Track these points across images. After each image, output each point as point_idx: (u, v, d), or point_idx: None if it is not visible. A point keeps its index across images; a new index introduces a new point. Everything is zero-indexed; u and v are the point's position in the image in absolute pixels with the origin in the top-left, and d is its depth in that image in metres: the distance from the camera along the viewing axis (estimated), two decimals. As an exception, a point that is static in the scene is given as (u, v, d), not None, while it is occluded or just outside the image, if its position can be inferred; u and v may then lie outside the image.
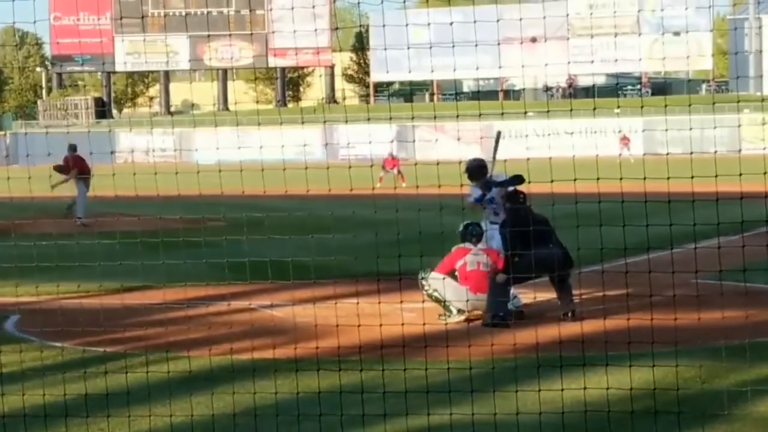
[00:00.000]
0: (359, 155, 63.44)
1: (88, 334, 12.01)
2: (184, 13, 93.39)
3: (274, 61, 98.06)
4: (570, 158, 10.56)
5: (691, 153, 11.09)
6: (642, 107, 72.75)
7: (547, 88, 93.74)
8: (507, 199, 13.62)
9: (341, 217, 22.69)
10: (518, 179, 13.65)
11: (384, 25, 70.29)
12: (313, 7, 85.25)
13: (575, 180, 9.40)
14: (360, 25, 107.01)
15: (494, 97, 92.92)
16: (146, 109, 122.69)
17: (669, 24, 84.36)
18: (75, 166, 27.86)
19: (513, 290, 13.61)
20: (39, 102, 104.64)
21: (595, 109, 68.88)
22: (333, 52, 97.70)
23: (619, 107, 73.09)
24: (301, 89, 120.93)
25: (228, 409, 8.82)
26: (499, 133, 14.83)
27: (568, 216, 11.32)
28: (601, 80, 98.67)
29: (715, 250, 10.46)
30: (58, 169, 27.72)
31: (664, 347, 9.93)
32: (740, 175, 9.67)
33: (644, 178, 9.29)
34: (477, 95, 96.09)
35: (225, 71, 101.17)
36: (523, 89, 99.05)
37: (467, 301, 13.07)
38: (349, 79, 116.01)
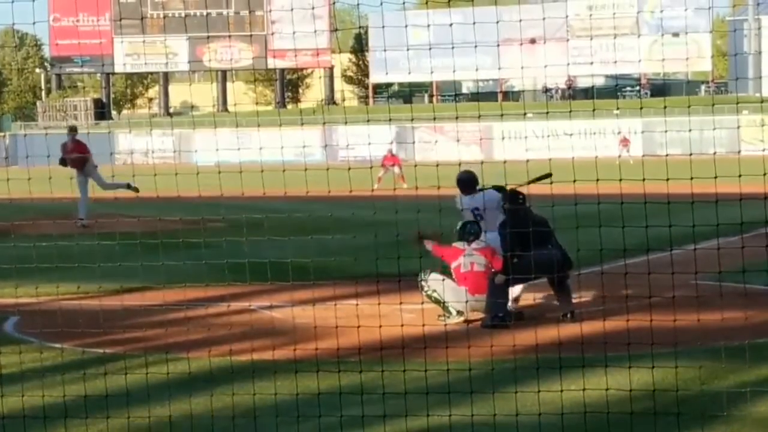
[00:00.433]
0: (359, 156, 63.54)
1: (87, 335, 12.01)
2: (183, 15, 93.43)
3: (273, 63, 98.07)
4: (569, 159, 10.56)
5: (691, 154, 11.10)
6: (641, 108, 72.75)
7: (547, 90, 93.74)
8: (507, 200, 13.61)
9: (341, 218, 22.70)
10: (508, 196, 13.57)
11: (383, 27, 70.29)
12: (312, 8, 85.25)
13: (575, 181, 9.40)
14: (359, 27, 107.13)
15: (493, 98, 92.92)
16: (145, 110, 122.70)
17: (668, 25, 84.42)
18: (73, 151, 27.24)
19: (517, 291, 13.61)
20: (38, 103, 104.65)
21: (594, 110, 68.89)
22: (332, 53, 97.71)
23: (618, 108, 73.14)
24: (301, 90, 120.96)
25: (227, 410, 8.82)
26: (549, 175, 14.23)
27: (568, 217, 11.31)
28: (600, 81, 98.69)
29: (714, 251, 10.47)
30: (62, 162, 27.34)
31: (664, 348, 9.93)
32: (739, 176, 9.67)
33: (643, 179, 9.29)
34: (476, 96, 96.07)
35: (224, 72, 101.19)
36: (523, 91, 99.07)
37: (466, 302, 13.06)
38: (349, 80, 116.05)
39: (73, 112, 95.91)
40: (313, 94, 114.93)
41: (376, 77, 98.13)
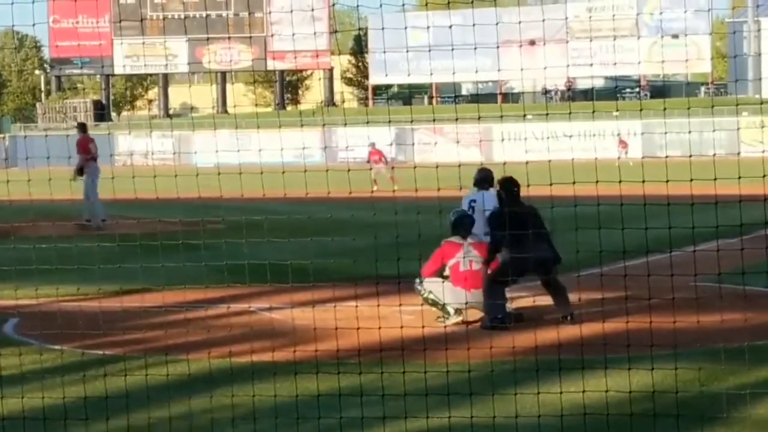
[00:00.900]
0: (358, 158, 63.54)
1: (87, 337, 12.01)
2: (183, 16, 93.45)
3: (273, 64, 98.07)
4: (569, 161, 10.57)
5: (690, 156, 11.11)
6: (641, 110, 72.77)
7: (546, 91, 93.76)
8: (500, 186, 13.49)
9: (340, 219, 22.68)
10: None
11: (383, 28, 70.30)
12: (312, 10, 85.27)
13: (574, 183, 9.40)
14: (359, 28, 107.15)
15: (493, 100, 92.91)
16: (145, 111, 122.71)
17: (668, 27, 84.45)
18: (81, 151, 26.92)
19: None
20: (38, 105, 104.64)
21: (594, 112, 68.94)
22: (332, 55, 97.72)
23: (618, 110, 73.13)
24: (300, 92, 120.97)
25: (227, 411, 8.82)
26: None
27: (567, 219, 11.30)
28: (600, 83, 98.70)
29: (714, 253, 10.47)
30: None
31: (663, 350, 9.92)
32: (739, 178, 9.67)
33: (643, 181, 9.30)
34: (476, 98, 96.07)
35: (224, 74, 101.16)
36: (522, 92, 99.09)
37: (466, 303, 13.05)
38: (348, 82, 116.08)
39: (73, 113, 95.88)
40: (312, 95, 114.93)
41: (375, 79, 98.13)
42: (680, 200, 9.69)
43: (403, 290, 12.82)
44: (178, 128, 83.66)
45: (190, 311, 13.94)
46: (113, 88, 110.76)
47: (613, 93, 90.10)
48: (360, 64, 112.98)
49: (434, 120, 69.77)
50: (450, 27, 12.54)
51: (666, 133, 59.28)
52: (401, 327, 10.92)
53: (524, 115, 74.92)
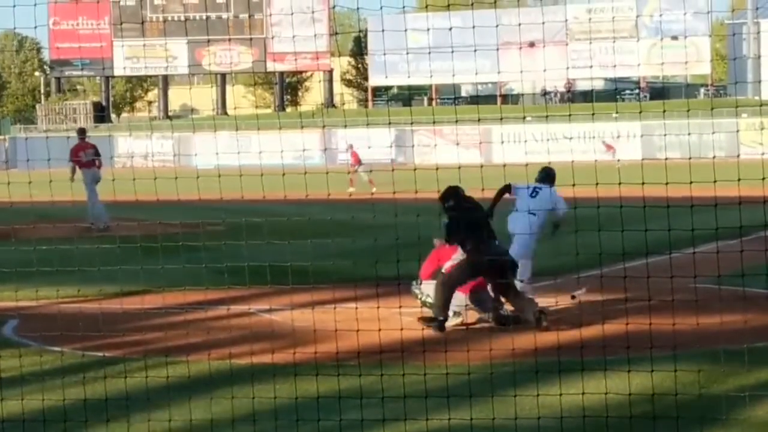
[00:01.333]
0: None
1: (87, 338, 12.01)
2: (183, 18, 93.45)
3: (273, 66, 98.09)
4: (569, 163, 10.57)
5: (690, 158, 11.12)
6: (641, 112, 72.74)
7: (546, 93, 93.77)
8: (449, 198, 13.39)
9: (340, 221, 22.69)
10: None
11: (383, 30, 70.26)
12: (312, 12, 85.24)
13: (574, 185, 9.41)
14: (359, 30, 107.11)
15: (493, 101, 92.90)
16: (145, 113, 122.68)
17: (667, 29, 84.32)
18: (73, 157, 26.93)
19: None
20: (37, 106, 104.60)
21: (594, 114, 68.88)
22: (331, 56, 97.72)
23: (617, 112, 73.10)
24: (300, 94, 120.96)
25: (227, 413, 8.83)
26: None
27: (568, 220, 11.32)
28: (599, 85, 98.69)
29: (713, 255, 10.49)
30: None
31: (663, 352, 9.93)
32: (738, 180, 9.69)
33: (642, 183, 9.31)
34: (476, 100, 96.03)
35: (224, 76, 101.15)
36: (522, 94, 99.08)
37: (465, 306, 13.03)
38: (348, 83, 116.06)
39: (73, 115, 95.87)
40: (312, 97, 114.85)
41: (375, 80, 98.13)
42: (680, 202, 9.70)
43: (402, 292, 12.84)
44: (178, 130, 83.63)
45: (190, 313, 13.95)
46: (113, 89, 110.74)
47: (612, 94, 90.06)
48: (360, 65, 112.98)
49: (434, 122, 69.71)
50: (450, 29, 12.53)
51: (665, 134, 59.25)
52: (401, 329, 10.94)
53: (524, 117, 74.86)
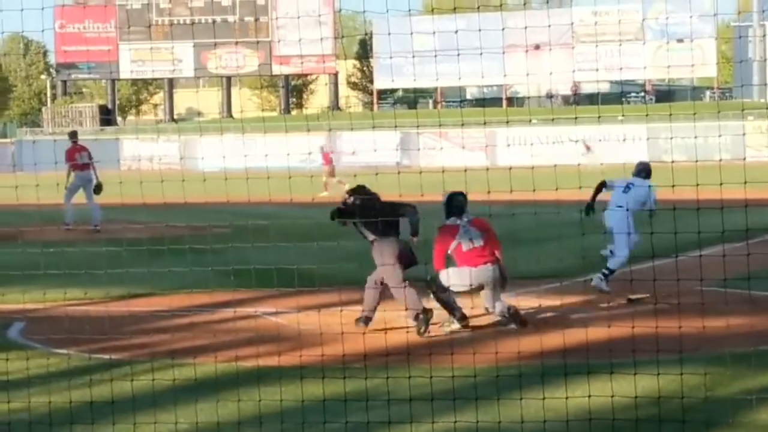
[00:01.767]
0: (362, 163, 63.55)
1: (94, 341, 12.04)
2: (189, 21, 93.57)
3: (278, 69, 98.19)
4: (575, 166, 10.58)
5: (696, 161, 11.12)
6: (647, 115, 72.71)
7: (551, 95, 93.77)
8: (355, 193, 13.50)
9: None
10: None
11: (389, 33, 70.27)
12: (319, 15, 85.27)
13: (580, 187, 9.42)
14: (365, 33, 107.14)
15: (498, 104, 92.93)
16: (150, 116, 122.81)
17: (673, 31, 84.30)
18: (67, 159, 27.01)
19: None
20: (43, 109, 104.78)
21: (599, 117, 68.85)
22: (337, 59, 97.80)
23: (623, 114, 73.04)
24: (305, 96, 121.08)
25: (233, 416, 8.85)
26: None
27: (574, 224, 11.33)
28: (605, 87, 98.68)
29: (719, 258, 10.49)
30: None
31: (669, 355, 9.94)
32: (745, 182, 9.69)
33: (649, 186, 9.32)
34: (482, 102, 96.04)
35: (229, 79, 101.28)
36: (528, 97, 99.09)
37: (470, 285, 12.82)
38: (353, 86, 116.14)
39: (79, 118, 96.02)
40: (317, 100, 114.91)
41: (380, 83, 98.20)
42: (686, 205, 9.70)
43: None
44: (184, 133, 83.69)
45: (196, 315, 13.97)
46: (118, 92, 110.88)
47: (618, 97, 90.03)
48: (365, 68, 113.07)
49: (440, 125, 69.73)
50: (456, 32, 12.53)
51: (672, 137, 59.20)
52: (407, 331, 10.96)
53: (530, 120, 74.87)
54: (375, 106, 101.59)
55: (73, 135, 28.61)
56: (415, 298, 12.69)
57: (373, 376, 9.48)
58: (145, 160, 77.25)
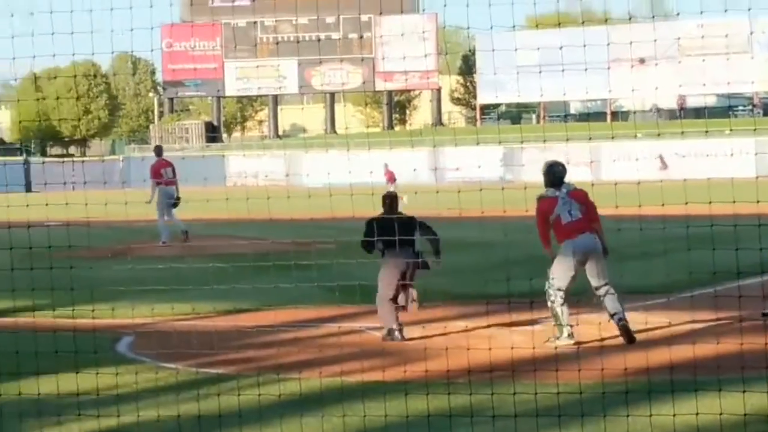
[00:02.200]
0: (467, 178, 63.48)
1: (201, 355, 12.18)
2: (293, 39, 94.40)
3: (382, 85, 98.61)
4: (681, 181, 10.47)
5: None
6: (755, 129, 71.60)
7: (657, 110, 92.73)
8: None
9: (448, 238, 22.69)
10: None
11: (493, 50, 70.12)
12: (423, 31, 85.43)
13: (686, 203, 9.32)
14: (468, 49, 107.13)
15: (602, 118, 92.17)
16: (255, 132, 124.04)
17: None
18: (153, 175, 27.09)
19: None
20: (151, 127, 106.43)
21: (707, 131, 68.00)
22: (440, 74, 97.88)
23: (731, 129, 71.99)
24: (408, 112, 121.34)
25: (338, 431, 8.89)
26: None
27: (680, 238, 11.17)
28: (711, 101, 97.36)
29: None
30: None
31: (779, 372, 9.76)
32: None
33: (758, 201, 9.20)
34: (586, 117, 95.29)
35: (333, 95, 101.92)
36: (634, 111, 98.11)
37: (572, 277, 12.69)
38: (456, 101, 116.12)
39: (185, 135, 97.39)
40: (420, 115, 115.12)
41: (484, 98, 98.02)
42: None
43: (513, 310, 12.80)
44: (289, 149, 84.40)
45: (301, 330, 14.07)
46: (224, 109, 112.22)
47: (725, 111, 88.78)
48: (468, 83, 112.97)
49: (545, 141, 69.35)
50: (561, 48, 12.48)
51: (782, 151, 58.19)
52: (512, 347, 10.91)
53: (635, 135, 74.15)
54: (478, 122, 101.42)
55: (159, 150, 28.80)
56: (388, 316, 13.21)
57: (477, 392, 9.47)
58: (250, 176, 78.12)
